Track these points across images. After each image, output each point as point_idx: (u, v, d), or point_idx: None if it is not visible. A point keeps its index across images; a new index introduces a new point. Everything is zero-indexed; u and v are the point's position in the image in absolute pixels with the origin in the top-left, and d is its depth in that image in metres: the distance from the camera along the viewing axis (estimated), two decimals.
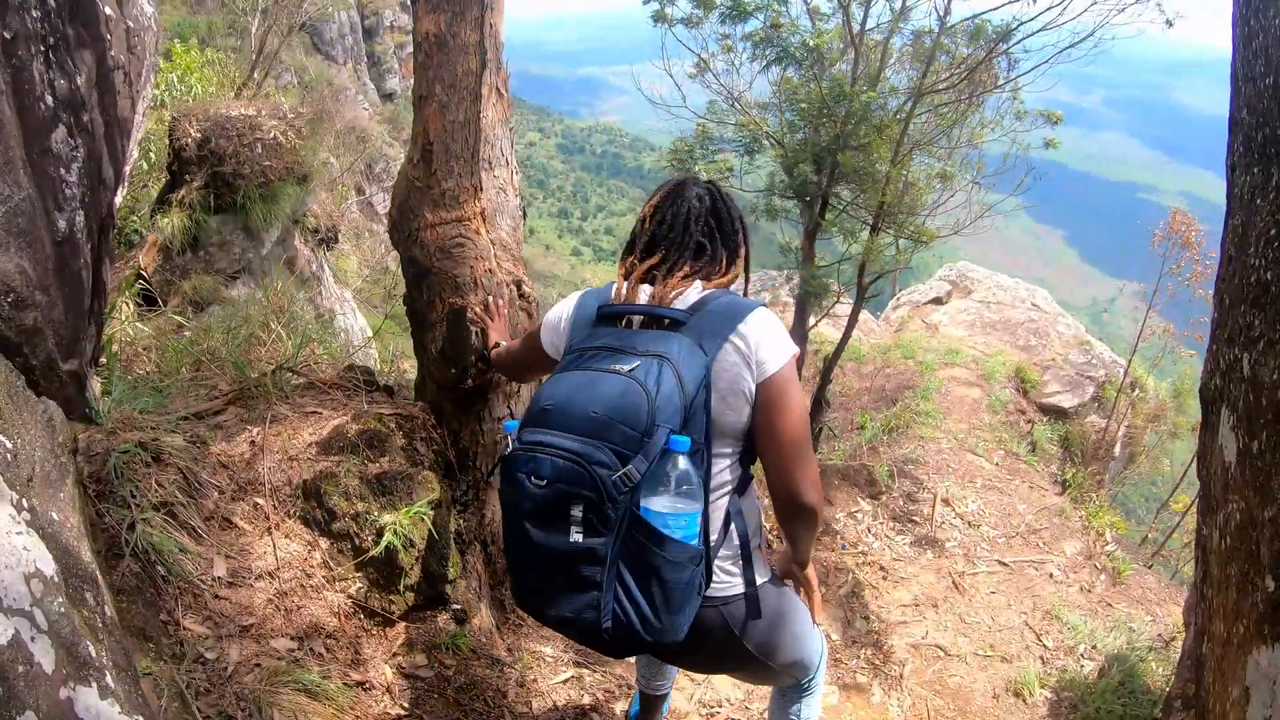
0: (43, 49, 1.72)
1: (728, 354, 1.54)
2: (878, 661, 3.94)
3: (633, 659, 2.65)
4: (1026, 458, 7.03)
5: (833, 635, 4.20)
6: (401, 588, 2.39)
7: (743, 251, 1.79)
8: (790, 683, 1.97)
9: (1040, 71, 6.17)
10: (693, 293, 1.64)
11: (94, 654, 1.18)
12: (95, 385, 2.29)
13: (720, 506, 1.61)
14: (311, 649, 2.16)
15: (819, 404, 7.38)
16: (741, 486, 1.66)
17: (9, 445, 1.29)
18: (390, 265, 15.00)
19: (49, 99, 1.70)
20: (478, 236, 2.59)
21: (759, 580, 1.68)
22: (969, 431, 7.17)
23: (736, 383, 1.54)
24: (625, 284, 1.69)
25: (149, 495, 2.14)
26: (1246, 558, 1.16)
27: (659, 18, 6.98)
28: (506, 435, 1.56)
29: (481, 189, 2.66)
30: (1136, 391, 9.05)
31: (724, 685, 3.15)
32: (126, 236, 6.44)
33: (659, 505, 1.43)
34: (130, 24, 2.38)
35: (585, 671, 2.90)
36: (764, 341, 1.55)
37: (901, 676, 3.82)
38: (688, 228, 1.70)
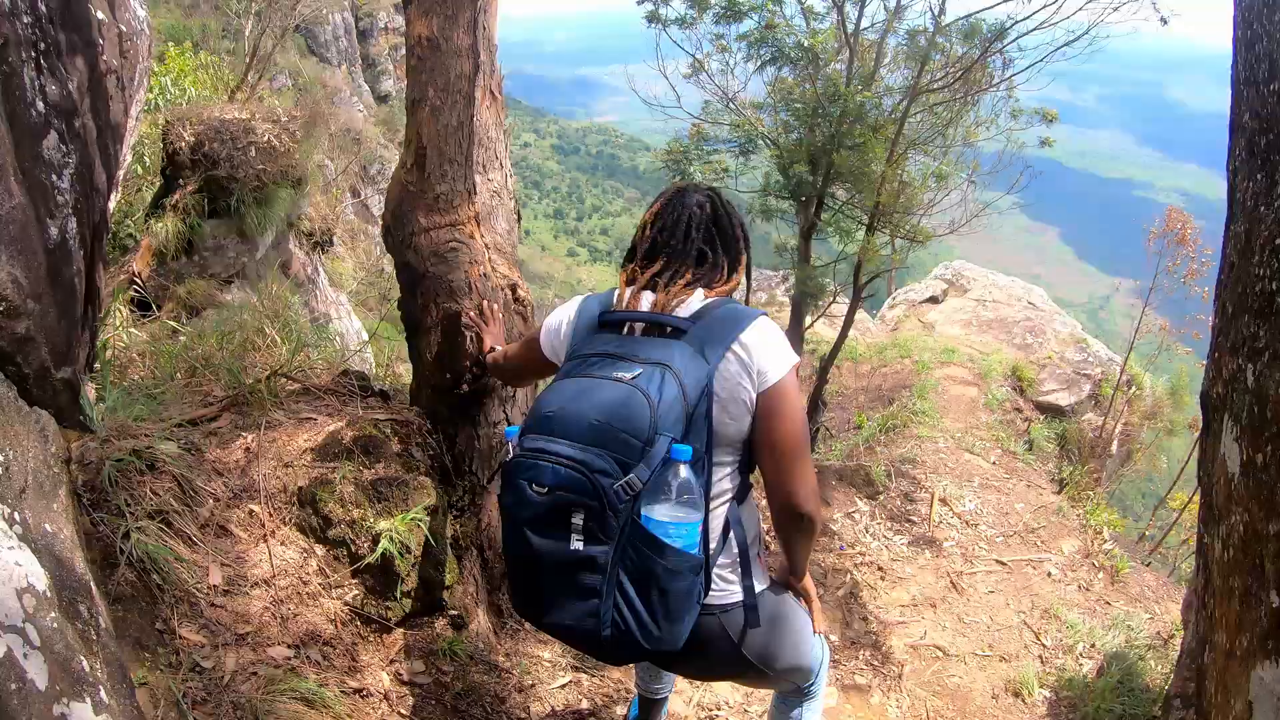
0: (33, 55, 1.70)
1: (729, 363, 1.53)
2: (876, 662, 3.93)
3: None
4: (1024, 456, 7.03)
5: (831, 636, 4.19)
6: (398, 594, 2.38)
7: (744, 258, 1.78)
8: (791, 688, 1.96)
9: (1036, 70, 6.19)
10: (695, 300, 1.63)
11: (88, 668, 1.16)
12: (90, 392, 2.27)
13: (720, 515, 1.60)
14: (308, 656, 2.14)
15: (816, 404, 7.38)
16: (741, 495, 1.65)
17: (0, 458, 1.27)
18: (386, 267, 14.97)
19: (40, 105, 1.68)
20: (472, 240, 2.58)
21: (758, 588, 1.67)
22: (966, 430, 7.17)
23: (737, 391, 1.54)
24: (628, 291, 1.68)
25: (144, 503, 2.13)
26: (1250, 571, 1.16)
27: (653, 18, 6.99)
28: (507, 441, 1.55)
29: (475, 193, 2.65)
30: (1133, 389, 9.07)
31: (723, 689, 3.14)
32: (120, 241, 6.42)
33: (660, 514, 1.42)
34: (123, 28, 2.36)
35: (584, 676, 2.89)
36: (765, 351, 1.54)
37: (900, 677, 3.81)
38: (689, 235, 1.70)
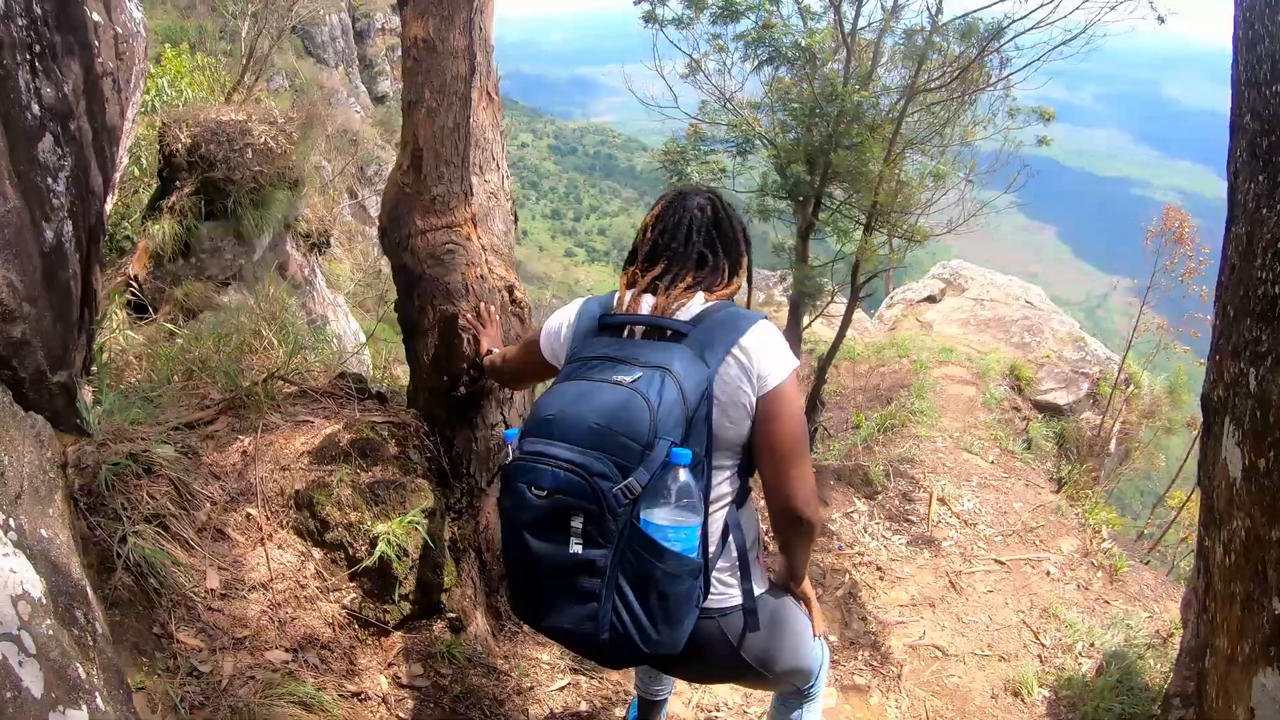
0: (29, 57, 1.70)
1: (729, 366, 1.53)
2: (875, 662, 3.93)
3: None
4: (1022, 455, 7.03)
5: (830, 636, 4.19)
6: (396, 597, 2.37)
7: (745, 262, 1.78)
8: (790, 689, 1.96)
9: (1033, 69, 6.19)
10: (695, 304, 1.63)
11: (84, 675, 1.16)
12: (86, 396, 2.26)
13: (719, 519, 1.60)
14: (306, 660, 2.14)
15: (814, 404, 7.38)
16: (740, 498, 1.65)
17: None
18: (383, 269, 14.95)
19: (35, 108, 1.68)
20: (469, 242, 2.57)
21: (757, 591, 1.67)
22: (964, 430, 7.16)
23: (737, 395, 1.53)
24: (628, 294, 1.67)
25: (141, 507, 2.12)
26: (1253, 577, 1.15)
27: (650, 18, 6.98)
28: (506, 444, 1.55)
29: (472, 194, 2.64)
30: (1131, 387, 9.07)
31: (722, 690, 3.14)
32: (117, 244, 6.41)
33: (659, 518, 1.42)
34: (119, 30, 2.35)
35: (583, 678, 2.89)
36: (765, 355, 1.54)
37: (899, 677, 3.81)
38: (690, 238, 1.69)
